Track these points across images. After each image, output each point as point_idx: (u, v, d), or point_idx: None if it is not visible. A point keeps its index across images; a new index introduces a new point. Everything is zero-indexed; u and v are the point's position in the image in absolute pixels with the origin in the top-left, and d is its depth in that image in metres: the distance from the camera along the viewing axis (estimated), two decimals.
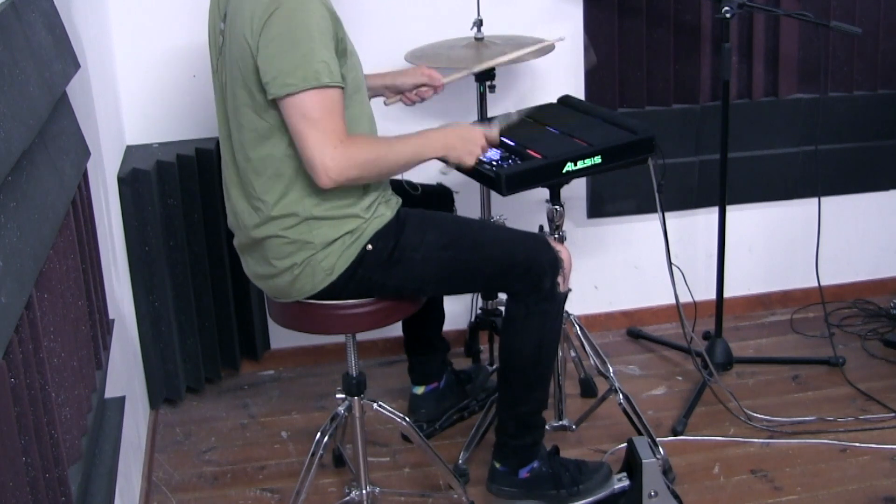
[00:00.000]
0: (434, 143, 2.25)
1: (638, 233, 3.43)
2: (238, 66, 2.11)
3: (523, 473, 2.46)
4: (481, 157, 2.34)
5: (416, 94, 2.61)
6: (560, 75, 3.22)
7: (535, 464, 2.46)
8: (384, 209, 2.26)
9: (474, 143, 2.29)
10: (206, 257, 3.04)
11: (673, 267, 2.88)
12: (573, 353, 2.97)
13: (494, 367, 3.03)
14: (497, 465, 2.48)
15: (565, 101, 2.82)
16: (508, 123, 2.47)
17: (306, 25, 2.04)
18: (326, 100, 2.05)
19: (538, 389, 2.41)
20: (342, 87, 2.09)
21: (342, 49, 2.13)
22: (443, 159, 2.28)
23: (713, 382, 3.00)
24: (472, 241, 2.32)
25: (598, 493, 2.45)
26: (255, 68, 2.07)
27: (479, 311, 3.11)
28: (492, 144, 2.38)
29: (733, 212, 3.20)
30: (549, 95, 2.90)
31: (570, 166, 2.39)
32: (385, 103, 2.65)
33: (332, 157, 2.05)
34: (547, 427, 2.71)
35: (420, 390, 2.89)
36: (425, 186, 2.56)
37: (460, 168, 2.33)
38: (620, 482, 2.46)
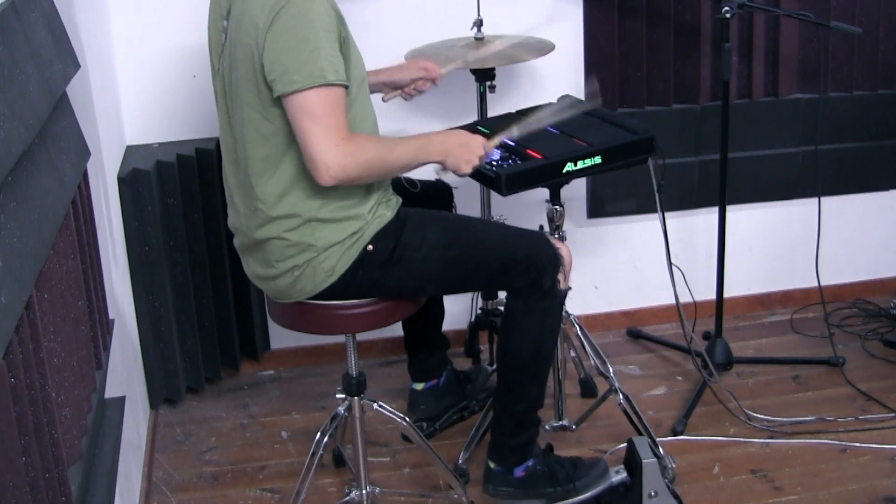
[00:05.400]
0: (434, 147, 2.24)
1: (638, 233, 3.43)
2: (244, 64, 2.11)
3: (519, 472, 2.45)
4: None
5: (413, 87, 2.61)
6: (560, 75, 3.22)
7: (531, 462, 2.45)
8: (384, 209, 2.26)
9: (473, 153, 2.28)
10: (206, 257, 3.04)
11: (673, 267, 2.89)
12: (573, 353, 2.97)
13: (494, 367, 3.02)
14: (492, 465, 2.47)
15: (565, 101, 2.82)
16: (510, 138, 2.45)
17: (312, 23, 2.05)
18: (330, 97, 2.05)
19: (535, 387, 2.41)
20: (346, 86, 2.09)
21: (346, 48, 2.13)
22: (440, 164, 2.28)
23: (713, 382, 3.00)
24: (472, 240, 2.32)
25: (594, 488, 2.45)
26: (262, 66, 2.07)
27: (479, 311, 3.11)
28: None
29: (733, 212, 3.20)
30: (549, 95, 2.90)
31: (570, 166, 2.40)
32: (383, 99, 2.64)
33: (333, 154, 2.05)
34: (547, 427, 2.71)
35: (420, 387, 2.88)
36: (424, 183, 2.55)
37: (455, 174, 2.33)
38: (618, 474, 2.46)
